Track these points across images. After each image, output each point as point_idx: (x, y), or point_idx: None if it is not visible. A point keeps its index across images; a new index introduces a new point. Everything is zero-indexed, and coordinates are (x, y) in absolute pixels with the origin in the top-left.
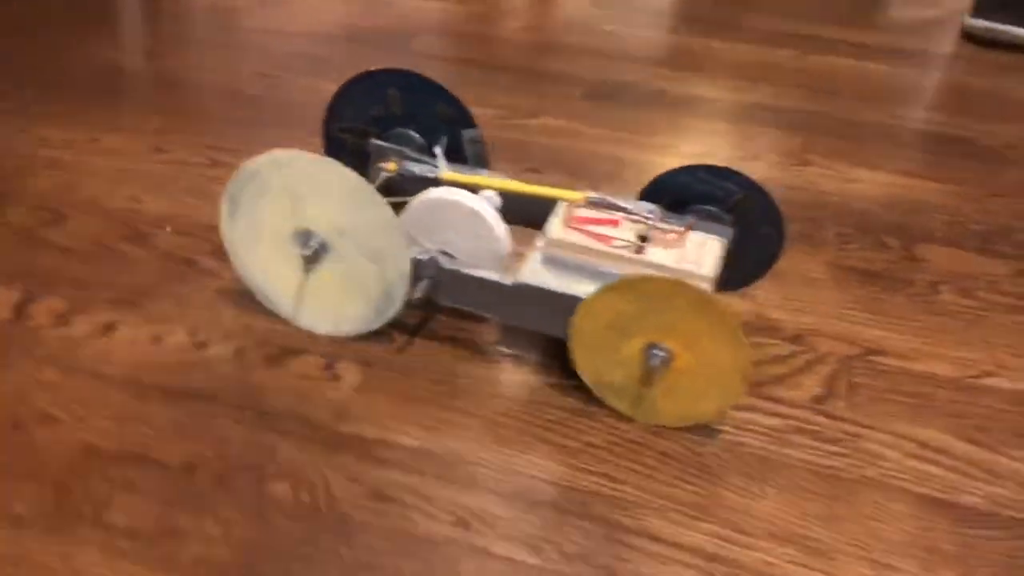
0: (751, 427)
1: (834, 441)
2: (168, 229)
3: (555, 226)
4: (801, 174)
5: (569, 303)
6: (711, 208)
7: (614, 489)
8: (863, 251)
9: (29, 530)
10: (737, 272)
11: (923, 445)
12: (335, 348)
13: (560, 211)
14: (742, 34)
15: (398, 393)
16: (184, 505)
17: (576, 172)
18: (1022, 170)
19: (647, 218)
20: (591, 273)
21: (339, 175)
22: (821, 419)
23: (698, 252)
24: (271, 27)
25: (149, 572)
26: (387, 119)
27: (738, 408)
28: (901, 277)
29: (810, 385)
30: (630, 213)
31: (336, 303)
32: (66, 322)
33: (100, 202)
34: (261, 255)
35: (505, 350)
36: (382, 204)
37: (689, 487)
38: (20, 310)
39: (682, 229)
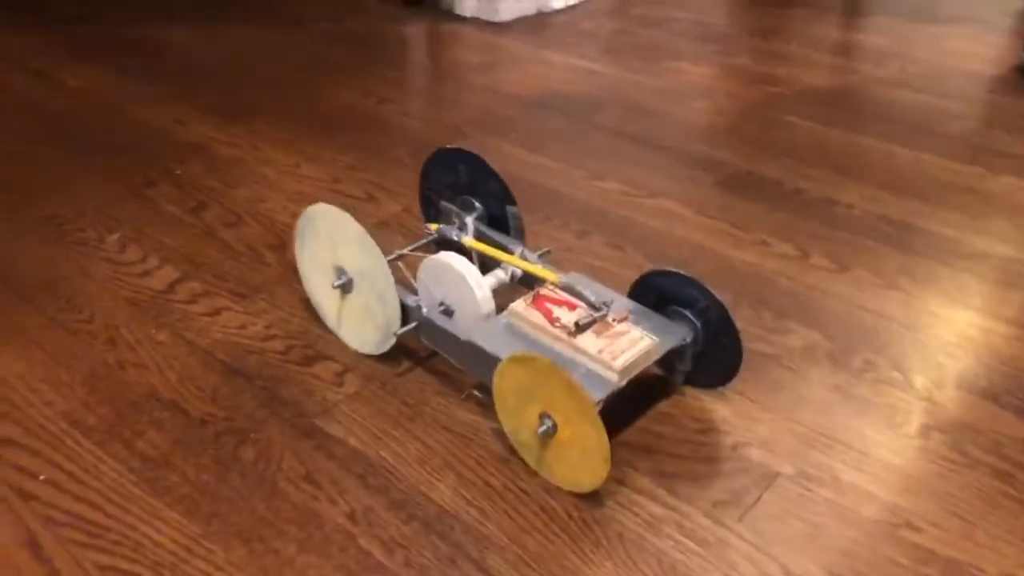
0: (635, 508)
1: (701, 543)
2: None
3: (524, 300)
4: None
5: (496, 364)
6: (684, 310)
7: (481, 524)
8: (879, 383)
9: (90, 439)
10: (706, 373)
11: (786, 571)
12: (355, 361)
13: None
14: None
15: (376, 407)
16: (185, 447)
17: (652, 255)
18: None
19: (596, 308)
20: (530, 344)
21: (353, 228)
22: (704, 521)
23: (624, 346)
24: (492, 85)
25: (137, 485)
26: (457, 186)
27: (636, 490)
28: (899, 415)
29: (717, 489)
30: (586, 301)
31: (359, 326)
32: (194, 301)
33: (270, 215)
34: (317, 280)
35: (476, 394)
36: (380, 255)
37: (541, 539)
38: (172, 286)
39: (615, 322)
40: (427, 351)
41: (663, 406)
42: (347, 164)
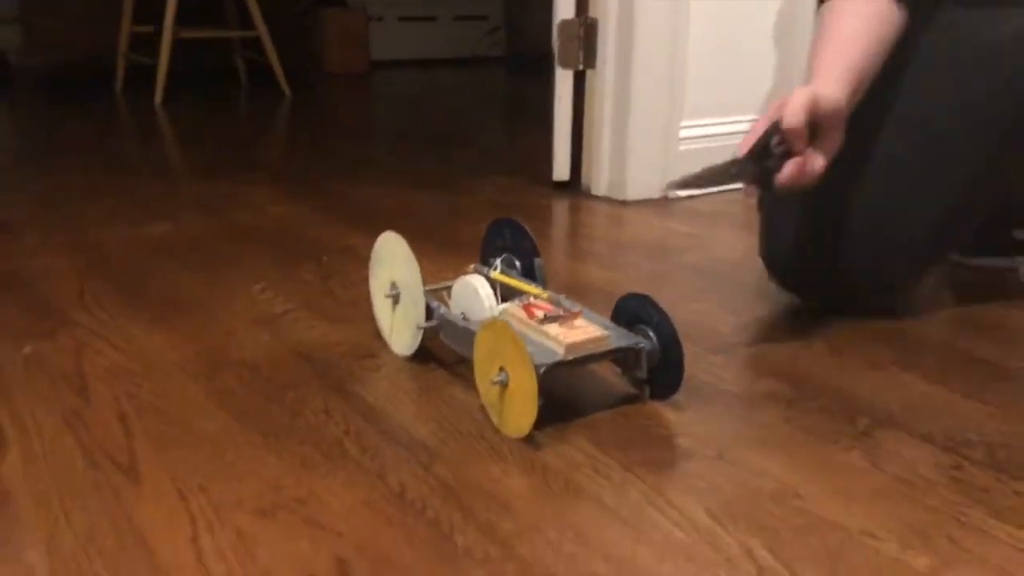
0: (565, 454)
1: (605, 477)
2: None
3: (516, 303)
4: None
5: None
6: (643, 326)
7: (440, 447)
8: (824, 415)
9: (186, 373)
10: (661, 383)
11: (668, 501)
12: (396, 361)
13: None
14: None
15: (397, 384)
16: (247, 386)
17: None
18: None
19: (564, 308)
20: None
21: (403, 249)
22: (616, 467)
23: (576, 334)
24: (593, 233)
25: (204, 396)
26: (504, 246)
27: (572, 445)
28: (832, 434)
29: (639, 454)
30: (559, 305)
31: (402, 333)
32: (297, 320)
33: None
34: (379, 296)
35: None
36: (416, 268)
37: (481, 462)
38: (285, 312)
39: (574, 318)
40: (452, 359)
41: (625, 408)
42: (444, 258)
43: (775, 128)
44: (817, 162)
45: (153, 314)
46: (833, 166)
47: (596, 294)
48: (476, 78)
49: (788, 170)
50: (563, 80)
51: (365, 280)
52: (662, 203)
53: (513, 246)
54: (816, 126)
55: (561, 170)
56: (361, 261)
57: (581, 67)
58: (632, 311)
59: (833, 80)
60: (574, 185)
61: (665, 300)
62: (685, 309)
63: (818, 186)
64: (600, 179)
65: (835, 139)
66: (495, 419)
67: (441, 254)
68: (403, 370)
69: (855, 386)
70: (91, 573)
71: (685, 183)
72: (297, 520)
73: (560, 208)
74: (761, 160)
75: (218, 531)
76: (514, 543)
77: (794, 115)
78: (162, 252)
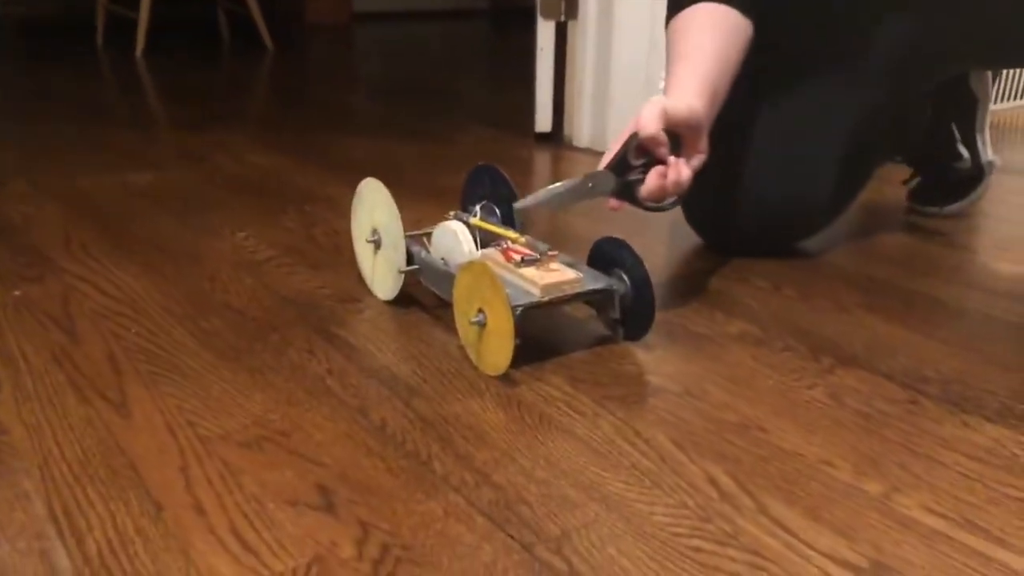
0: (540, 391)
1: (579, 413)
2: None
3: (494, 248)
4: None
5: None
6: (617, 269)
7: (420, 385)
8: (792, 358)
9: (173, 316)
10: (633, 325)
11: (636, 432)
12: (378, 304)
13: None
14: None
15: (378, 326)
16: (233, 328)
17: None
18: None
19: (540, 251)
20: None
21: (383, 193)
22: (589, 403)
23: (552, 276)
24: None
25: (190, 339)
26: (483, 193)
27: (547, 383)
28: (796, 372)
29: (611, 390)
30: (535, 249)
31: (383, 277)
32: (280, 266)
33: None
34: (361, 242)
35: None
36: (395, 212)
37: (459, 398)
38: (268, 259)
39: (549, 260)
40: (432, 303)
41: (598, 348)
42: (425, 206)
43: (632, 141)
44: (684, 171)
45: (139, 259)
46: (734, 136)
47: (574, 240)
48: (460, 31)
49: (651, 180)
50: (545, 31)
51: (347, 228)
52: None
53: (493, 193)
54: (677, 136)
55: (543, 122)
56: (343, 210)
57: (563, 18)
58: (607, 255)
59: (685, 92)
60: (556, 137)
61: (639, 245)
62: (659, 254)
63: (726, 157)
64: (582, 131)
65: (698, 147)
66: (473, 358)
67: (422, 202)
68: (384, 313)
69: (822, 328)
70: (84, 498)
71: (538, 202)
72: (281, 451)
73: (542, 159)
74: (622, 174)
75: (206, 461)
76: (489, 470)
77: (649, 123)
78: (147, 200)
